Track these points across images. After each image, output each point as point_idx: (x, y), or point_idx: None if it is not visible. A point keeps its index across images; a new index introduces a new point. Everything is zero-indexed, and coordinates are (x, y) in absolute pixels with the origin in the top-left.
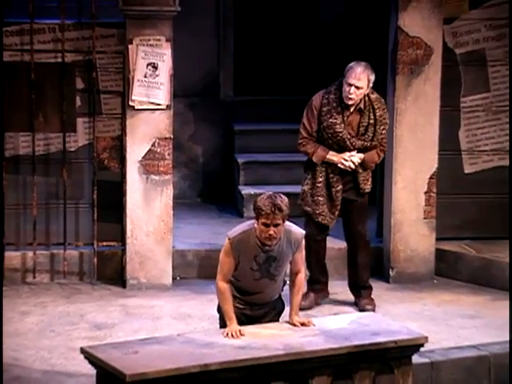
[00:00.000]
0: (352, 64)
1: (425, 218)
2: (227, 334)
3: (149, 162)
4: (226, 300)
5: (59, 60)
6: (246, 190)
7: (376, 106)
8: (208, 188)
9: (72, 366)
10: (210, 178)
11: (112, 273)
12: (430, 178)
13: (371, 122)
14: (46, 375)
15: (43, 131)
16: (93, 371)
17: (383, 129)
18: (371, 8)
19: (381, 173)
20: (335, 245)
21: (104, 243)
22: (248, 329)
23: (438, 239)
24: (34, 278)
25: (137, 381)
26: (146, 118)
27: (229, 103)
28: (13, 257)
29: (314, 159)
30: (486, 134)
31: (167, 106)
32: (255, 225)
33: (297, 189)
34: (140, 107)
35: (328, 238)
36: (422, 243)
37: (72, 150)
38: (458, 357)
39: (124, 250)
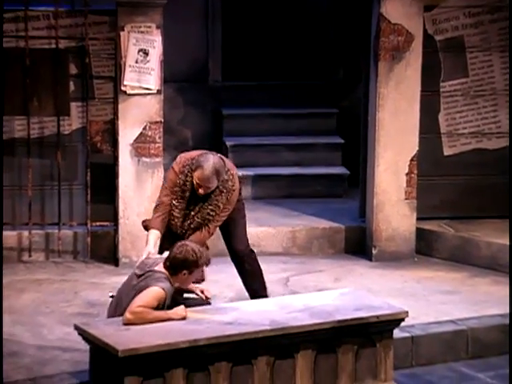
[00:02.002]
0: (202, 162)
1: (406, 199)
2: (183, 313)
3: (140, 145)
4: (151, 312)
5: (53, 46)
6: None
7: (216, 191)
8: None
9: (67, 341)
10: None
11: (105, 252)
12: (411, 160)
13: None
14: (42, 350)
15: (38, 115)
16: (87, 347)
17: (211, 210)
18: None
19: (364, 155)
20: (319, 224)
21: (97, 223)
22: (235, 305)
23: (418, 219)
24: (30, 256)
25: (129, 356)
26: (137, 102)
27: (217, 88)
28: (9, 236)
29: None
30: (464, 117)
31: (158, 90)
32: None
33: (282, 170)
34: (131, 92)
35: (311, 219)
36: (403, 223)
37: (66, 133)
38: (437, 331)
39: (116, 230)
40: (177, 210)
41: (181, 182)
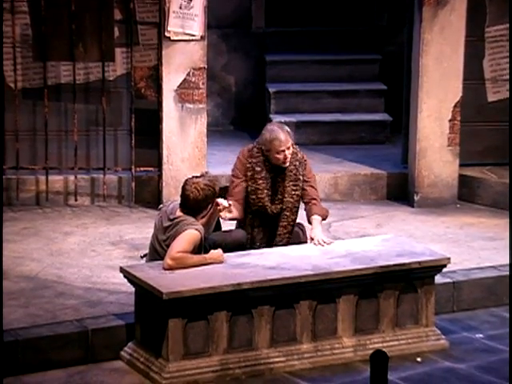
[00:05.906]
0: (264, 134)
1: (449, 145)
2: (220, 257)
3: (184, 91)
4: (190, 257)
5: None
6: (276, 119)
7: (290, 166)
8: (240, 116)
9: (112, 284)
10: (242, 106)
11: (149, 196)
12: (455, 106)
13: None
14: (88, 292)
15: (83, 61)
16: (132, 289)
17: (294, 185)
18: None
19: (407, 101)
20: (361, 171)
21: (141, 168)
22: (278, 250)
23: (461, 165)
24: (76, 200)
25: (173, 298)
26: (181, 48)
27: (260, 34)
28: (55, 180)
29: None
30: (509, 63)
31: (201, 36)
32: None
33: (324, 117)
34: (175, 38)
35: (353, 165)
36: (446, 169)
37: (110, 79)
38: (478, 277)
39: (160, 175)
40: (259, 192)
41: (252, 165)
